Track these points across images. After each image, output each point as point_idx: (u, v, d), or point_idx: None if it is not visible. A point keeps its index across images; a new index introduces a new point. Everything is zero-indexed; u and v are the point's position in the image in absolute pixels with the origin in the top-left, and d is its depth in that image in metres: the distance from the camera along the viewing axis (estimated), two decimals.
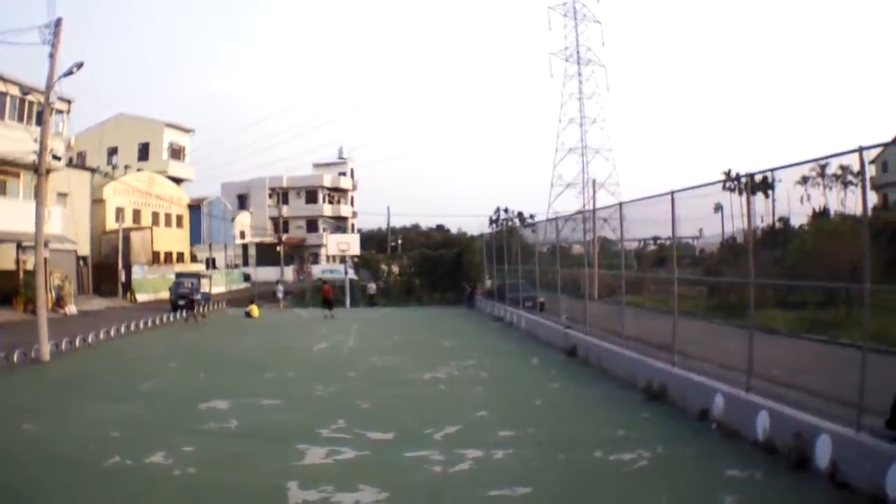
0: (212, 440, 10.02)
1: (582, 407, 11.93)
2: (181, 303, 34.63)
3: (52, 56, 18.99)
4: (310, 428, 10.38)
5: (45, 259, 32.57)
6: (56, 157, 29.83)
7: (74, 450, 9.43)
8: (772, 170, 11.25)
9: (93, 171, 44.63)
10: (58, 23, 19.07)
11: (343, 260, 67.12)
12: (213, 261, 54.11)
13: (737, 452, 8.46)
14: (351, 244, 39.71)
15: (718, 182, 13.00)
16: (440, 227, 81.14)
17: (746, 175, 10.96)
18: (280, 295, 39.20)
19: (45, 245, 31.98)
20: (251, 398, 12.89)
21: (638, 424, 10.21)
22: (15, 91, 29.81)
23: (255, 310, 33.53)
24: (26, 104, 30.64)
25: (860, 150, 8.05)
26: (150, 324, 26.88)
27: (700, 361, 11.49)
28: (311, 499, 7.22)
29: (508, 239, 29.12)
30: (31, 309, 29.65)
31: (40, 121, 31.08)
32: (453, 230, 76.89)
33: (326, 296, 32.71)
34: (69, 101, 32.28)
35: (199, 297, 36.96)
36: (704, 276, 20.30)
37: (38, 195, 20.19)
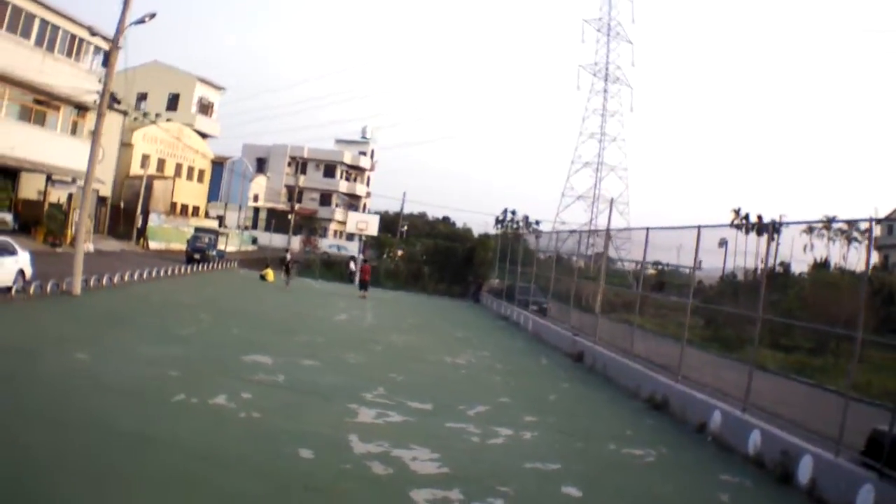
0: (266, 390, 10.87)
1: (592, 406, 13.33)
2: (196, 256, 35.85)
3: (125, 1, 19.64)
4: (354, 391, 11.46)
5: (72, 195, 33.76)
6: (116, 100, 30.53)
7: (136, 384, 10.05)
8: (786, 223, 12.61)
9: (125, 114, 45.48)
10: None
11: (352, 238, 68.35)
12: (222, 220, 55.01)
13: (730, 462, 9.87)
14: (370, 224, 40.94)
15: (742, 224, 14.36)
16: (446, 219, 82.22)
17: (769, 222, 12.27)
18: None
19: (73, 181, 33.15)
20: (289, 357, 13.95)
21: (643, 428, 11.63)
22: (67, 26, 30.27)
23: (270, 274, 34.48)
24: (76, 40, 31.18)
25: (871, 220, 9.44)
26: (168, 272, 27.74)
27: (697, 384, 12.87)
28: (373, 451, 8.23)
29: (521, 243, 30.48)
30: (52, 241, 30.49)
31: (78, 57, 31.95)
32: (459, 224, 78.29)
33: (364, 276, 32.85)
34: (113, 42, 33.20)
35: (214, 253, 38.10)
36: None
37: (95, 136, 20.88)
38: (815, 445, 8.80)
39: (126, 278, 22.70)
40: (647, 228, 15.79)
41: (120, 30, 19.89)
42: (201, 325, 16.90)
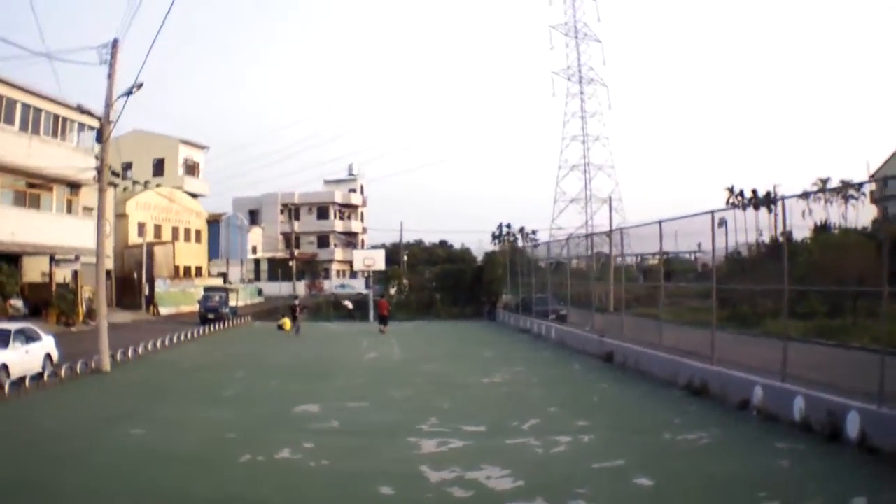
0: (325, 437, 11.06)
1: (634, 402, 13.86)
2: (210, 316, 35.89)
3: (110, 76, 19.80)
4: (408, 425, 11.80)
5: (77, 272, 34.05)
6: (115, 174, 30.80)
7: (199, 450, 10.20)
8: (785, 197, 13.20)
9: (115, 185, 45.97)
10: (115, 44, 19.81)
11: (355, 275, 68.83)
12: (225, 276, 55.42)
13: (779, 431, 10.44)
14: (376, 259, 41.51)
15: (751, 201, 14.96)
16: (443, 243, 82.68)
17: (780, 197, 12.79)
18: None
19: (77, 258, 33.49)
20: (336, 401, 14.25)
21: (689, 414, 12.19)
22: (49, 107, 30.52)
23: (287, 323, 34.66)
24: (60, 120, 31.47)
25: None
26: (188, 336, 27.88)
27: (730, 363, 13.40)
28: (448, 477, 8.65)
29: (530, 256, 31.09)
30: (65, 321, 30.50)
31: (64, 135, 32.16)
32: (456, 245, 78.86)
33: (382, 311, 33.51)
34: (99, 118, 33.29)
35: (227, 310, 38.34)
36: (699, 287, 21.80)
37: (100, 210, 20.98)
38: (858, 401, 9.39)
39: (150, 348, 22.96)
40: (660, 221, 16.35)
41: (109, 104, 20.10)
42: (240, 384, 17.05)
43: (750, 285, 17.44)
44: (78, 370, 17.49)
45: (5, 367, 15.56)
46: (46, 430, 11.62)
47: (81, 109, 25.05)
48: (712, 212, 13.96)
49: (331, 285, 60.86)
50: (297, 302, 38.77)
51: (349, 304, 45.02)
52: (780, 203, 12.78)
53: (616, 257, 25.00)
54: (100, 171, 21.22)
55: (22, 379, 15.67)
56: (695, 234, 16.98)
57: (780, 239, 25.71)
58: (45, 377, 16.56)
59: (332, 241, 68.35)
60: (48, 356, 17.47)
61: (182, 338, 27.03)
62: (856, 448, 9.10)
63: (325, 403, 14.08)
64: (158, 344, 23.95)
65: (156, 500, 8.10)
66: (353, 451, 10.31)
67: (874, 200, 39.19)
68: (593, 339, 20.75)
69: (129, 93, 20.02)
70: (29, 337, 17.11)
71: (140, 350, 21.93)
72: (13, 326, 17.45)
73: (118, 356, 19.93)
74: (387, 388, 16.12)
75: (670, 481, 8.35)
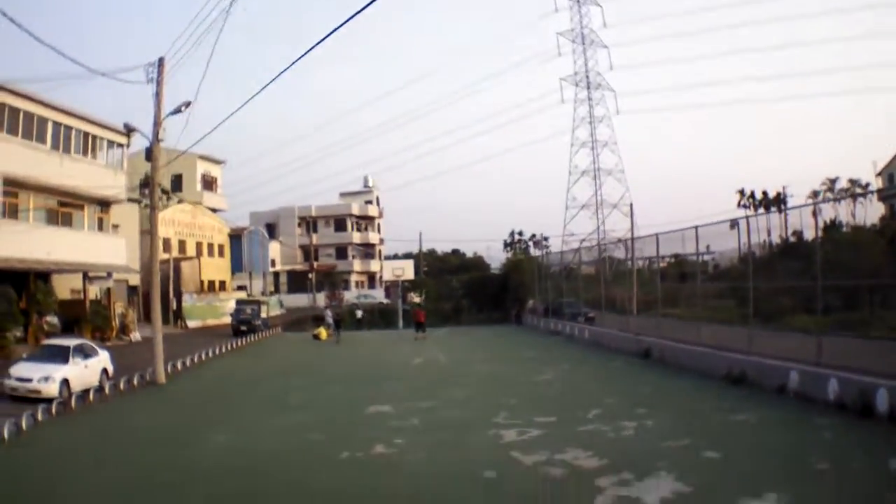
0: (410, 434, 11.94)
1: (681, 392, 15.45)
2: (243, 328, 36.95)
3: (157, 95, 20.17)
4: (483, 419, 13.05)
5: (110, 289, 35.09)
6: (165, 192, 30.96)
7: (295, 451, 10.89)
8: (804, 206, 14.80)
9: (139, 202, 47.01)
10: (160, 62, 20.17)
11: (374, 285, 70.14)
12: (246, 290, 56.72)
13: (816, 410, 12.04)
14: (405, 269, 42.98)
15: (780, 205, 16.45)
16: (455, 252, 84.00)
17: (812, 202, 14.36)
18: (330, 321, 38.17)
19: (109, 275, 34.53)
20: (405, 402, 15.25)
21: (733, 398, 13.78)
22: (79, 125, 30.81)
23: (322, 332, 35.99)
24: (90, 138, 31.76)
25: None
26: (226, 348, 28.64)
27: (764, 354, 14.93)
28: (540, 459, 9.94)
29: (559, 263, 32.64)
30: (100, 336, 30.43)
31: (94, 153, 32.55)
32: (469, 254, 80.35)
33: (419, 319, 34.95)
34: (128, 135, 32.80)
35: (259, 322, 39.54)
36: (731, 286, 22.98)
37: (153, 226, 21.62)
38: (886, 380, 10.98)
39: (195, 360, 23.79)
40: (696, 227, 18.06)
41: (157, 122, 20.25)
42: (302, 392, 17.69)
43: (779, 283, 18.51)
44: (135, 383, 18.22)
45: (66, 381, 16.35)
46: (133, 439, 12.49)
47: (129, 128, 25.59)
48: (746, 217, 15.63)
49: (350, 296, 62.26)
50: (328, 313, 40.29)
51: (359, 314, 46.24)
52: (806, 208, 14.31)
53: (645, 260, 26.52)
54: (151, 187, 21.88)
55: (86, 392, 16.41)
56: (704, 237, 18.52)
57: (792, 239, 27.07)
58: (106, 390, 17.26)
59: (350, 252, 69.91)
60: (104, 370, 18.31)
61: (220, 350, 27.65)
62: (886, 421, 10.71)
63: (394, 404, 15.03)
64: (202, 356, 24.65)
65: (281, 495, 8.89)
66: (442, 444, 11.37)
67: (881, 198, 40.75)
68: (629, 338, 22.28)
69: (178, 111, 20.24)
70: (86, 353, 17.89)
71: (188, 362, 22.73)
72: (72, 342, 18.14)
73: (168, 368, 20.58)
74: (447, 389, 17.35)
75: (734, 453, 9.90)
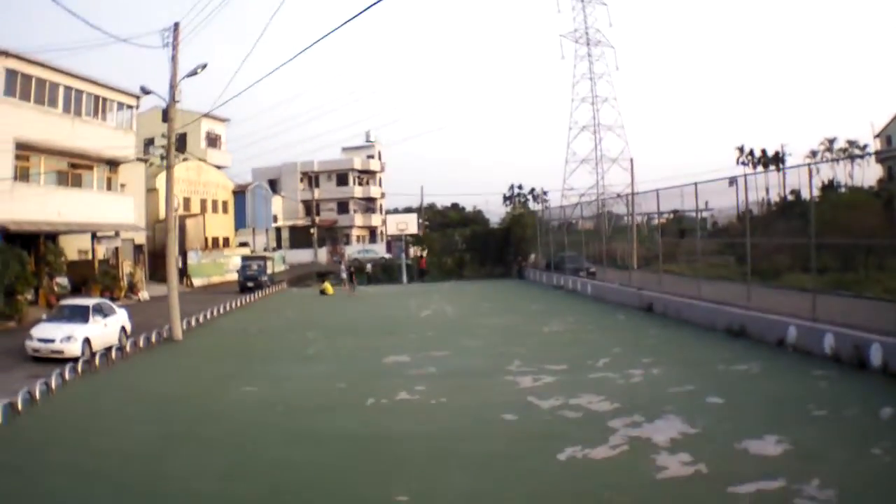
0: (430, 381, 12.62)
1: (684, 342, 16.22)
2: (250, 284, 37.34)
3: (173, 58, 20.54)
4: (498, 367, 13.87)
5: (118, 248, 35.54)
6: (178, 150, 31.45)
7: (321, 399, 11.47)
8: (805, 164, 15.26)
9: (145, 160, 47.03)
10: (176, 27, 20.52)
11: (375, 240, 70.72)
12: (248, 245, 57.10)
13: (813, 362, 12.80)
14: (409, 224, 43.39)
15: (760, 161, 16.88)
16: (455, 206, 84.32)
17: (812, 160, 14.89)
18: (345, 275, 39.41)
19: (117, 235, 34.95)
20: (420, 352, 15.93)
21: (735, 350, 14.57)
22: (90, 88, 31.33)
23: (329, 287, 36.43)
24: (100, 101, 32.27)
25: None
26: (235, 305, 28.78)
27: (762, 310, 15.61)
28: (556, 404, 10.79)
29: (555, 216, 33.19)
30: (110, 296, 30.28)
31: (104, 115, 33.13)
32: (468, 208, 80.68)
33: (422, 267, 35.92)
34: (138, 97, 33.93)
35: (265, 278, 39.98)
36: (730, 243, 23.53)
37: (169, 186, 21.85)
38: (880, 336, 11.72)
39: (207, 317, 24.11)
40: (696, 183, 18.56)
41: (174, 85, 20.74)
42: (317, 344, 18.13)
43: (777, 241, 19.06)
44: (153, 340, 18.54)
45: (88, 340, 16.46)
46: (164, 394, 12.73)
47: (144, 91, 25.68)
48: (745, 175, 16.24)
49: (352, 250, 62.81)
50: (343, 268, 41.08)
51: (368, 267, 46.89)
52: (804, 168, 14.82)
53: (644, 216, 27.13)
54: (167, 147, 22.08)
55: (108, 350, 16.42)
56: (703, 194, 18.84)
57: (790, 198, 27.53)
58: (127, 348, 17.30)
59: (351, 207, 70.13)
60: (123, 329, 18.57)
61: (230, 306, 27.72)
62: (880, 374, 11.47)
63: (410, 354, 15.73)
64: (212, 313, 24.99)
65: (314, 440, 9.39)
66: (461, 389, 12.10)
67: (879, 160, 41.14)
68: (631, 292, 23.02)
69: (194, 72, 20.81)
70: (105, 312, 18.03)
71: (201, 319, 23.12)
72: (90, 302, 18.30)
73: (184, 325, 20.74)
74: (458, 339, 18.03)
75: (736, 398, 10.70)
